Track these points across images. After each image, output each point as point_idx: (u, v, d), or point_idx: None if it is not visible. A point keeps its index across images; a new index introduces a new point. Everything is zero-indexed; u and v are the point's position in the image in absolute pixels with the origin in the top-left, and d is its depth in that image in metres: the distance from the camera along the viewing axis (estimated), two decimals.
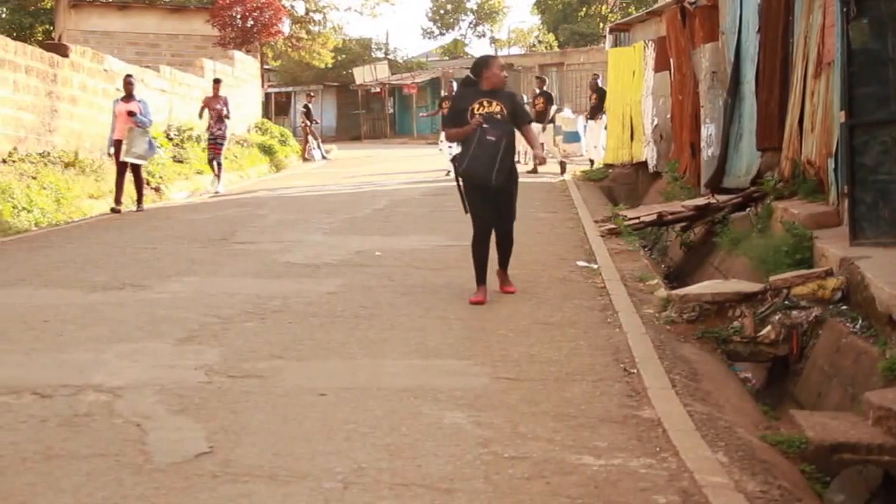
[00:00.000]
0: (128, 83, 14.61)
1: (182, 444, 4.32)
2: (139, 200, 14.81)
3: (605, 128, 21.34)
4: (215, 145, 17.86)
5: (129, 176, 14.59)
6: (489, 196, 7.45)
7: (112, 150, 14.47)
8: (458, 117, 7.57)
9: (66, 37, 27.89)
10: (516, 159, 7.95)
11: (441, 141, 20.74)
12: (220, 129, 17.65)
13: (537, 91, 21.63)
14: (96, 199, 15.34)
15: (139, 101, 14.49)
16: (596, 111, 21.31)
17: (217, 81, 18.31)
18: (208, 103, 17.85)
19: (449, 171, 19.96)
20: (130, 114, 14.12)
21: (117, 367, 5.62)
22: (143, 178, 15.02)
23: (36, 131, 15.36)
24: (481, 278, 7.55)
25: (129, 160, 14.27)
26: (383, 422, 4.65)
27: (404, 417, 4.72)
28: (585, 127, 22.83)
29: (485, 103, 7.45)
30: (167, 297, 7.78)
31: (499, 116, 7.41)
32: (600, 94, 21.30)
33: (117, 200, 14.53)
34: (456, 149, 20.17)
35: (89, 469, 4.01)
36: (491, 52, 53.77)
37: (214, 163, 18.10)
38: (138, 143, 14.24)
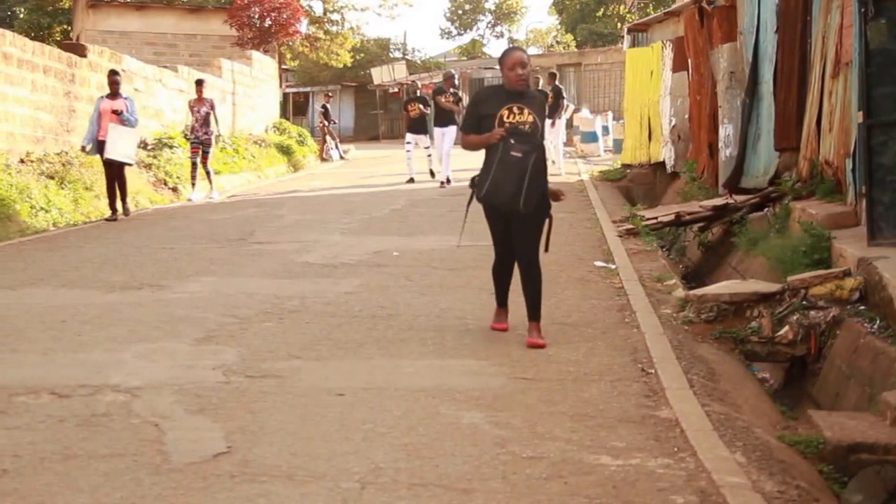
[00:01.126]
0: (113, 81, 13.58)
1: (200, 444, 4.34)
2: (123, 205, 13.70)
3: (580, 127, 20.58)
4: (200, 150, 16.65)
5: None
6: (509, 221, 6.27)
7: (89, 147, 13.48)
8: (478, 124, 6.27)
9: (84, 37, 28.02)
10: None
11: (407, 143, 19.56)
12: (205, 132, 16.55)
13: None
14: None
15: (126, 99, 13.55)
16: (551, 113, 19.23)
17: (200, 82, 17.25)
18: (192, 106, 16.80)
19: (412, 179, 18.90)
20: (116, 112, 13.19)
21: (135, 367, 5.65)
22: (126, 180, 13.81)
23: (54, 131, 15.45)
24: (502, 300, 6.58)
25: (113, 158, 13.25)
26: (401, 422, 4.66)
27: (422, 417, 4.73)
28: None
29: (515, 110, 6.17)
30: (185, 297, 7.81)
31: (527, 128, 6.14)
32: (556, 93, 20.10)
33: (112, 207, 13.64)
34: (416, 152, 19.25)
35: (107, 469, 4.03)
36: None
37: (200, 169, 16.91)
38: (124, 142, 13.29)
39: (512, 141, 6.03)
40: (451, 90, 18.27)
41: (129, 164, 13.73)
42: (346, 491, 3.81)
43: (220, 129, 17.24)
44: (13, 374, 5.55)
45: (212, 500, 3.73)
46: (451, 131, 17.97)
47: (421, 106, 19.16)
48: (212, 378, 5.43)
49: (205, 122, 16.57)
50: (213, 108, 16.73)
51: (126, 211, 13.77)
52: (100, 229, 12.67)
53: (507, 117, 6.14)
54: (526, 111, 6.16)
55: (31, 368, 5.69)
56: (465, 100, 28.72)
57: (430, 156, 19.50)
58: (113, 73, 13.85)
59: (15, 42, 14.62)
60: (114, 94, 13.49)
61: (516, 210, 6.05)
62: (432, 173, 19.22)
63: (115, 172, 13.46)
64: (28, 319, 6.99)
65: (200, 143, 16.65)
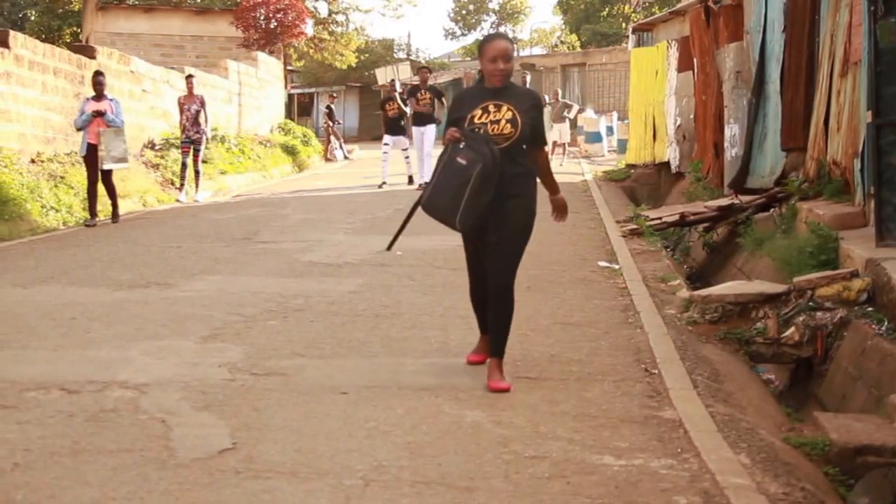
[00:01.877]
0: (97, 82, 13.07)
1: (205, 441, 4.36)
2: (114, 211, 13.35)
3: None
4: (191, 149, 16.15)
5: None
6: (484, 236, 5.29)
7: (85, 153, 12.96)
8: (453, 127, 5.26)
9: (94, 39, 28.12)
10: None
11: (385, 144, 18.94)
12: (196, 132, 16.03)
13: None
14: (122, 199, 15.36)
15: (111, 101, 13.10)
16: None
17: (190, 77, 16.71)
18: (182, 103, 16.23)
19: (383, 184, 18.10)
20: (99, 114, 12.79)
21: (143, 364, 5.68)
22: (115, 186, 13.33)
23: (64, 132, 15.48)
24: (484, 326, 5.69)
25: (110, 166, 12.88)
26: (404, 420, 4.67)
27: (425, 416, 4.74)
28: None
29: (490, 108, 5.17)
30: (192, 295, 7.84)
31: (502, 126, 5.13)
32: None
33: (92, 212, 13.13)
34: (394, 153, 18.41)
35: (115, 464, 4.05)
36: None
37: (189, 169, 16.40)
38: (116, 146, 12.88)
39: (461, 145, 5.08)
40: (428, 86, 17.74)
41: (125, 167, 13.41)
42: (350, 488, 3.82)
43: (210, 128, 16.69)
44: (24, 369, 5.58)
45: (217, 495, 3.75)
46: (431, 131, 17.35)
47: (399, 104, 18.44)
48: (217, 375, 5.45)
49: (195, 120, 16.05)
50: (203, 105, 16.13)
51: (115, 216, 13.32)
52: (107, 228, 12.70)
53: (479, 118, 5.17)
54: (505, 107, 5.15)
55: (42, 364, 5.72)
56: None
57: (407, 158, 18.82)
58: (97, 74, 13.31)
59: (26, 44, 14.68)
60: (99, 95, 13.05)
61: (452, 225, 5.17)
62: (411, 179, 18.63)
63: (104, 177, 13.03)
64: (38, 317, 7.02)
65: (192, 142, 16.18)
